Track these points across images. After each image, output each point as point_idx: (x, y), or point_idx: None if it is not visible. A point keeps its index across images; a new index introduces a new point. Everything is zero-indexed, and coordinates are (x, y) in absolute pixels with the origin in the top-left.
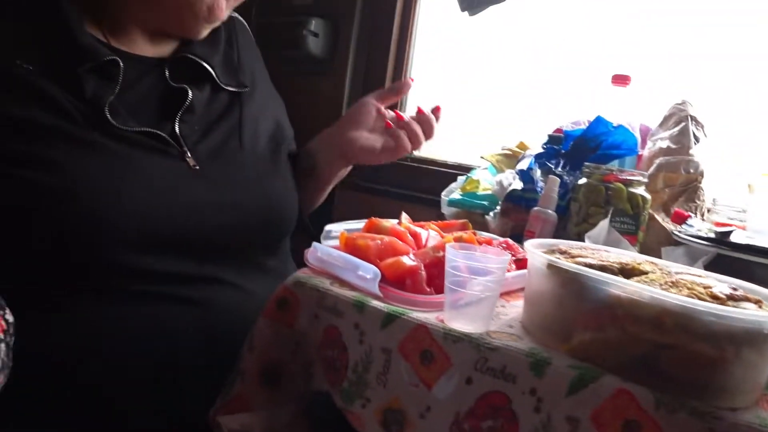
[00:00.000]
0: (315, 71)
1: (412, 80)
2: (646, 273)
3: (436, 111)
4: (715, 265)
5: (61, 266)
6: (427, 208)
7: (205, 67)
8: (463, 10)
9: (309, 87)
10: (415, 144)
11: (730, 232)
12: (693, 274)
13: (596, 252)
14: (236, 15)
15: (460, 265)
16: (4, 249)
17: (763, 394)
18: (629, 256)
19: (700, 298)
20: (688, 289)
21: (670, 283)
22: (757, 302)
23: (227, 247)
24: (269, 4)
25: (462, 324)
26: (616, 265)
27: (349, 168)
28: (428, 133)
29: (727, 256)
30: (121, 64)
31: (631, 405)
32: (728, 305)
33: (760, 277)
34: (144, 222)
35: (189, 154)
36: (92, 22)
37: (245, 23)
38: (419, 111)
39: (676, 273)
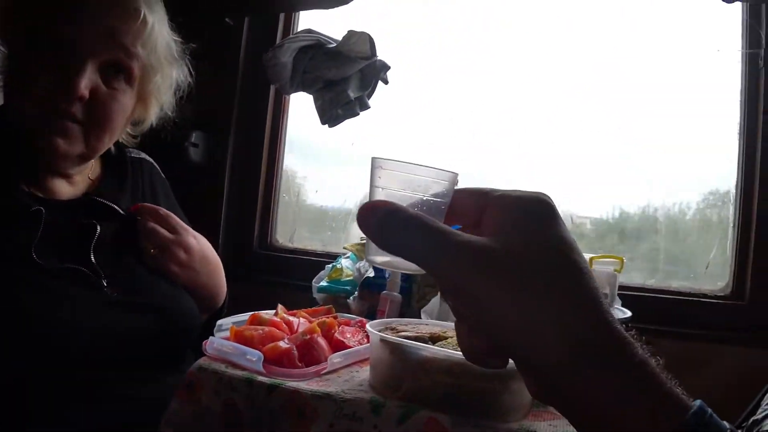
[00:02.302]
0: (196, 178)
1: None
2: (447, 338)
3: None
4: None
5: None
6: (302, 293)
7: (110, 204)
8: (323, 123)
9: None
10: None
11: None
12: None
13: (416, 326)
14: (145, 156)
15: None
16: None
17: (530, 410)
18: (440, 327)
19: None
20: None
21: None
22: None
23: (145, 358)
24: None
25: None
26: (427, 335)
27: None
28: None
29: None
30: (44, 211)
31: (438, 427)
32: None
33: None
34: (71, 345)
35: (105, 283)
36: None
37: (153, 162)
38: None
39: None
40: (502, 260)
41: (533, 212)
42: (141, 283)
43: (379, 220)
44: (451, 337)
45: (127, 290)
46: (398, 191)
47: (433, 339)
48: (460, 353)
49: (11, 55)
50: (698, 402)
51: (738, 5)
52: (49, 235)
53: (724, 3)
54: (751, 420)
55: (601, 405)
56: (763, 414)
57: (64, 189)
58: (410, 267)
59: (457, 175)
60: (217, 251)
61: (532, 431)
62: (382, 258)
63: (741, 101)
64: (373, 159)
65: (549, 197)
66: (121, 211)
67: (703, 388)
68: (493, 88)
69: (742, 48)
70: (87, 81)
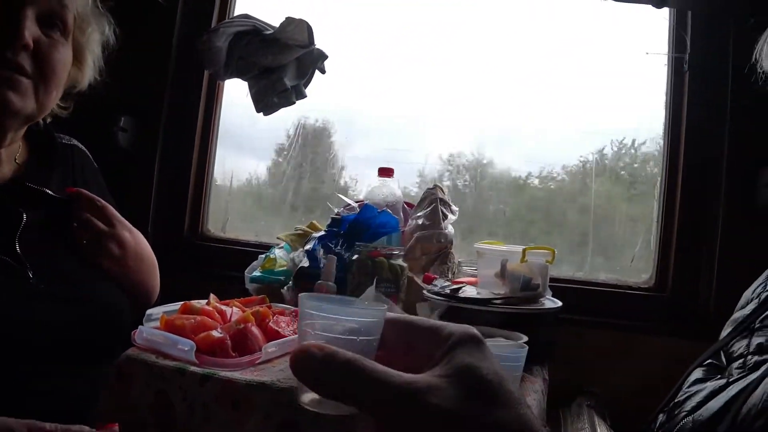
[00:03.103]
0: (124, 164)
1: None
2: None
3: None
4: (451, 311)
5: None
6: (234, 284)
7: (40, 189)
8: (258, 111)
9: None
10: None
11: (460, 288)
12: None
13: None
14: (76, 143)
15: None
16: None
17: None
18: None
19: None
20: None
21: None
22: None
23: (72, 352)
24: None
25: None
26: None
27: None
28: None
29: (455, 306)
30: None
31: None
32: None
33: (479, 317)
34: None
35: (31, 273)
36: None
37: (85, 150)
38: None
39: None
40: (445, 396)
41: (467, 347)
42: (69, 275)
43: (317, 366)
44: None
45: (54, 281)
46: (329, 334)
47: None
48: None
49: None
50: None
51: (666, 11)
52: None
53: (653, 8)
54: (672, 403)
55: None
56: (684, 396)
57: None
58: (348, 410)
59: (386, 310)
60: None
61: None
62: (317, 401)
63: (666, 102)
64: (301, 298)
65: (476, 331)
66: (53, 194)
67: (628, 376)
68: (433, 76)
69: (669, 52)
70: (30, 30)
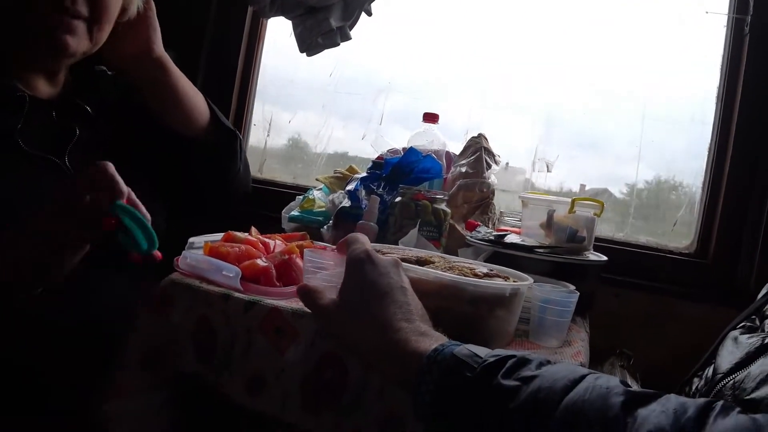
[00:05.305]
0: None
1: None
2: (434, 262)
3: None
4: (494, 259)
5: None
6: (270, 224)
7: (86, 108)
8: (301, 51)
9: None
10: None
11: (505, 235)
12: (465, 262)
13: (401, 251)
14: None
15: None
16: None
17: (512, 338)
18: (426, 253)
19: (465, 275)
20: (459, 270)
21: (448, 267)
22: (505, 278)
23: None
24: None
25: None
26: (414, 258)
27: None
28: None
29: (500, 252)
30: (27, 98)
31: None
32: (483, 279)
33: (523, 265)
34: None
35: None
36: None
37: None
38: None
39: (455, 262)
40: (339, 309)
41: (354, 270)
42: None
43: (302, 293)
44: (438, 261)
45: None
46: (316, 276)
47: (420, 262)
48: (449, 275)
49: None
50: (435, 345)
51: None
52: (28, 128)
53: None
54: (708, 366)
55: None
56: (721, 358)
57: (45, 89)
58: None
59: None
60: None
61: None
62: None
63: (722, 66)
64: (306, 252)
65: (361, 255)
66: (97, 115)
67: (663, 339)
68: (478, 25)
69: (729, 12)
70: None
